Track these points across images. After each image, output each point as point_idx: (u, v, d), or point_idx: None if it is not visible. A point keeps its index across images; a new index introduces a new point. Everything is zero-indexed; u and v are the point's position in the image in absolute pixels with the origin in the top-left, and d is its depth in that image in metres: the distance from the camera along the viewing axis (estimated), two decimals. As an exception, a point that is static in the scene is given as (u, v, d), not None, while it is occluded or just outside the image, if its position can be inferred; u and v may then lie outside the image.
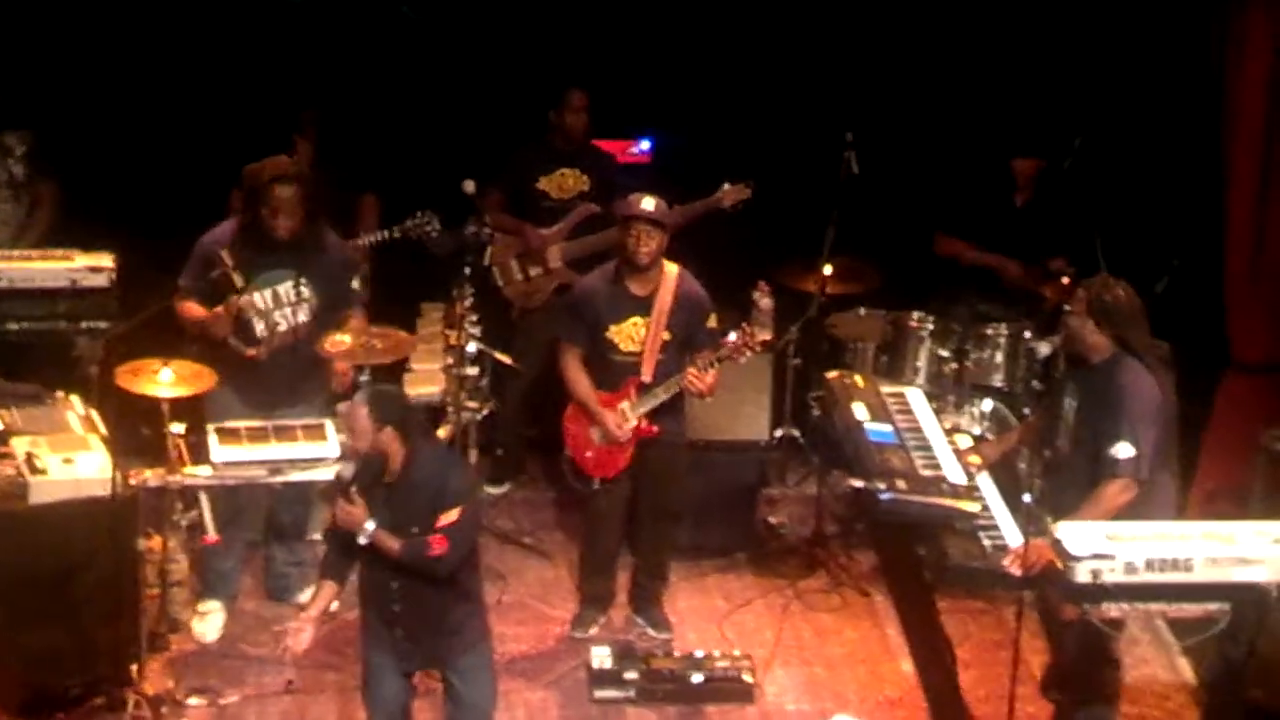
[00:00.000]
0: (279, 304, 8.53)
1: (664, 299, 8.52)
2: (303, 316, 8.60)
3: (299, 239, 8.50)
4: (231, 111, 10.39)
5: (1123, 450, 7.36)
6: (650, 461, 8.68)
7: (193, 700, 8.20)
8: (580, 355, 8.63)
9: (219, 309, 8.40)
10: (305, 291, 8.58)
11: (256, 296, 8.46)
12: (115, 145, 10.55)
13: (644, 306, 8.53)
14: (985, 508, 7.41)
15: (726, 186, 9.79)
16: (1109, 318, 7.53)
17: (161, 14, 10.50)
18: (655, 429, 8.58)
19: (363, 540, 7.03)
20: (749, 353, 8.56)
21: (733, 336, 8.52)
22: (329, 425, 8.37)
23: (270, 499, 8.82)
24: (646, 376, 8.55)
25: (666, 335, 8.54)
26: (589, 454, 8.67)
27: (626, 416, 8.55)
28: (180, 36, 10.56)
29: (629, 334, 8.54)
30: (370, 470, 7.09)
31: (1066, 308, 7.68)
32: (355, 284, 9.06)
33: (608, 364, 8.58)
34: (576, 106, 10.04)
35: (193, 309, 8.49)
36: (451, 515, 7.01)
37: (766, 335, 9.76)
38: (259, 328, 8.52)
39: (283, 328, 8.56)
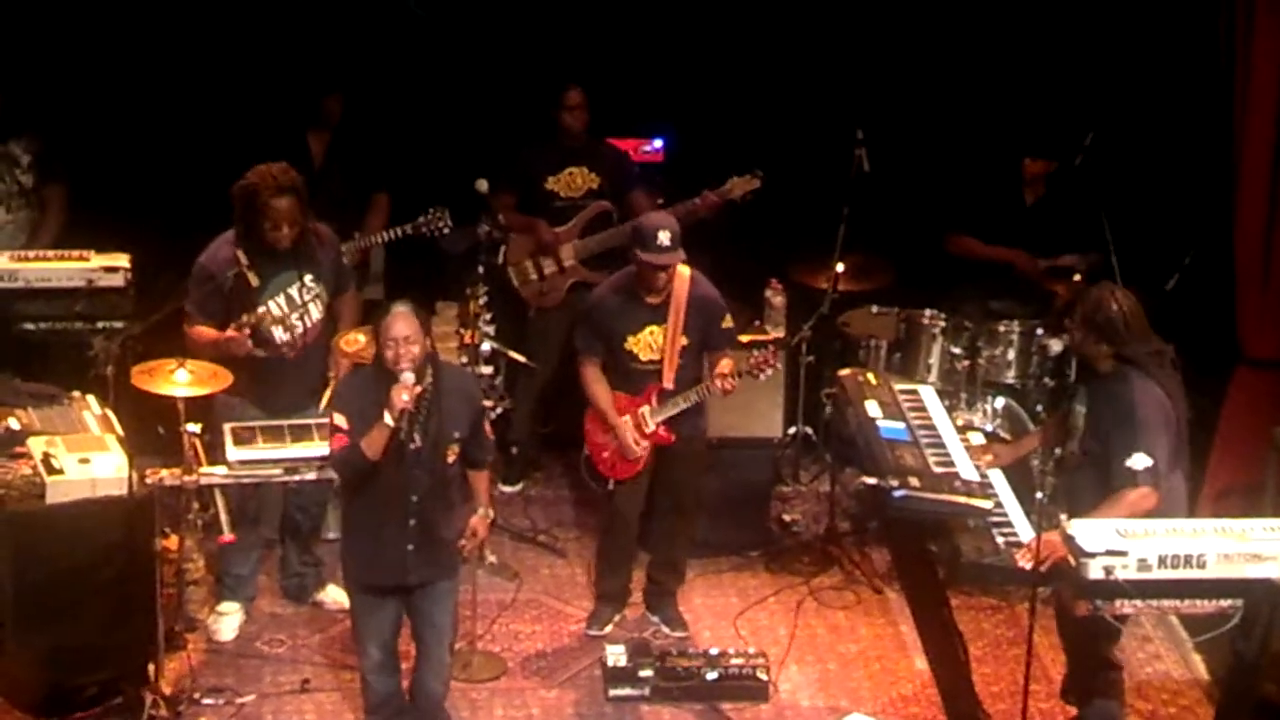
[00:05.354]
0: (294, 307, 8.50)
1: (679, 305, 8.52)
2: (316, 314, 8.58)
3: (298, 241, 8.47)
4: (245, 108, 10.40)
5: (1139, 461, 7.37)
6: (670, 460, 8.71)
7: (209, 700, 8.22)
8: (599, 366, 8.64)
9: (233, 329, 8.29)
10: (314, 288, 8.56)
11: (272, 304, 8.42)
12: (129, 144, 10.54)
13: (659, 314, 8.53)
14: (998, 504, 7.45)
15: (735, 179, 9.83)
16: (1104, 334, 7.54)
17: (172, 11, 10.51)
18: (672, 438, 8.61)
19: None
20: (770, 370, 8.62)
21: (756, 354, 8.60)
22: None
23: (286, 499, 8.83)
24: (668, 383, 8.57)
25: (684, 340, 8.55)
26: (606, 454, 8.70)
27: (647, 421, 8.57)
28: (191, 33, 10.56)
29: (647, 343, 8.55)
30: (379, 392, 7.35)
31: (1067, 322, 7.69)
32: (344, 259, 9.01)
33: (629, 372, 8.60)
34: (573, 104, 10.02)
35: (205, 332, 8.38)
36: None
37: (779, 333, 9.81)
38: (281, 335, 8.49)
39: (301, 330, 8.55)
